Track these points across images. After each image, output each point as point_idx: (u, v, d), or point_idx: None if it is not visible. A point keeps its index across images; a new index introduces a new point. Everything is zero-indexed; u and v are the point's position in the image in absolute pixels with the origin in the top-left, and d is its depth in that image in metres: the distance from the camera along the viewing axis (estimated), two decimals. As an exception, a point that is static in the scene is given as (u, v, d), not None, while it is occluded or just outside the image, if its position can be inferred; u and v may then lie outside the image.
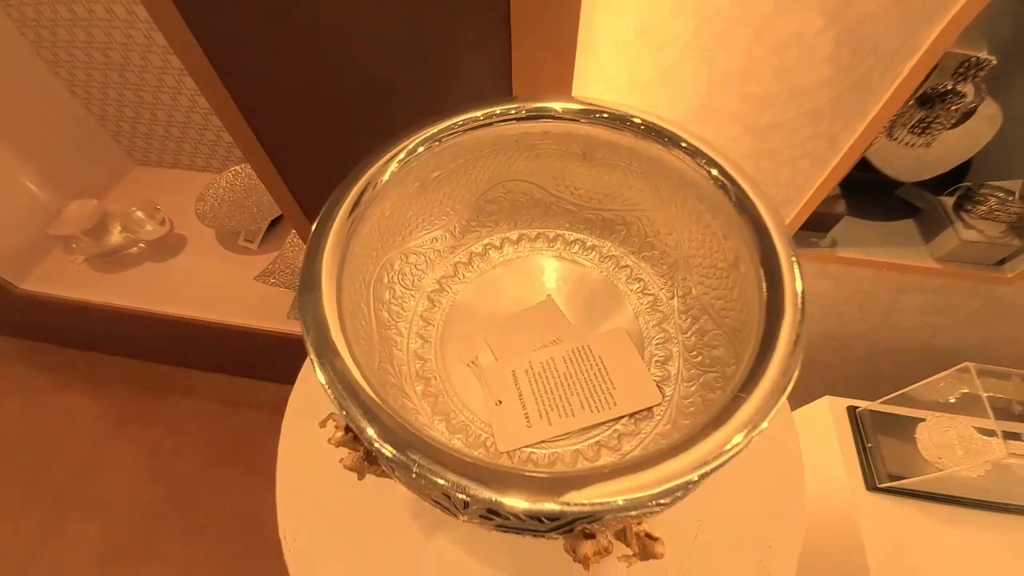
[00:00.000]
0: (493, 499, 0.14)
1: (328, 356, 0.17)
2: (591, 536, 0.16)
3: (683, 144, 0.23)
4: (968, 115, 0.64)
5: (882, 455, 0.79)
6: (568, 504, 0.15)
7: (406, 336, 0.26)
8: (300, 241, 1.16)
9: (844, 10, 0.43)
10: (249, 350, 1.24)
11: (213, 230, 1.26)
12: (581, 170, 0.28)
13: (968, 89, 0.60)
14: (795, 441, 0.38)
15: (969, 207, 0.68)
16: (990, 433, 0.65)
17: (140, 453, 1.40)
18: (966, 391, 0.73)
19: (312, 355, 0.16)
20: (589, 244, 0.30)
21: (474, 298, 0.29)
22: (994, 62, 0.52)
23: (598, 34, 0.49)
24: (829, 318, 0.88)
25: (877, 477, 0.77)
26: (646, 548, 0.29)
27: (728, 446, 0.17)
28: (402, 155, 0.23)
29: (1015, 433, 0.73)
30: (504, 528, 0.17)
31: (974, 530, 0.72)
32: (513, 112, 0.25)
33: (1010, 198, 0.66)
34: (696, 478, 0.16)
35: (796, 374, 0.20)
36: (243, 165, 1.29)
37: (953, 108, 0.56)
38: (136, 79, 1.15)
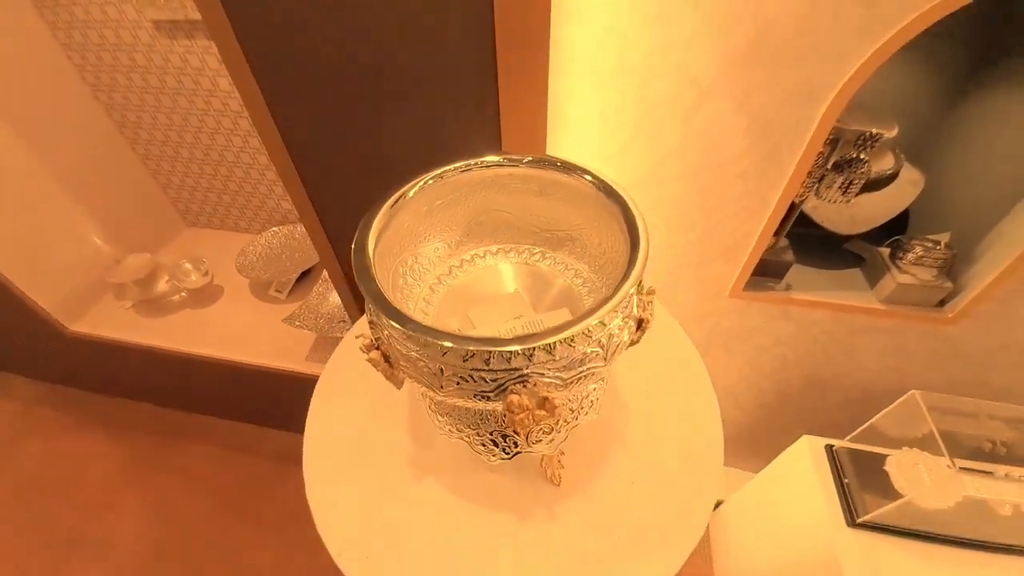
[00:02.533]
0: (459, 347, 0.24)
1: (365, 279, 0.28)
2: (516, 394, 0.26)
3: (593, 178, 0.35)
4: (891, 179, 0.78)
5: (860, 491, 0.82)
6: (498, 342, 0.24)
7: (412, 312, 0.37)
8: (323, 292, 1.31)
9: (747, 99, 0.59)
10: (266, 393, 1.33)
11: (248, 281, 1.41)
12: (540, 202, 0.41)
13: (886, 158, 0.75)
14: (714, 410, 0.45)
15: (901, 255, 0.79)
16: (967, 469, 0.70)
17: (148, 498, 1.43)
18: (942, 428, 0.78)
19: (357, 278, 0.27)
20: (547, 255, 0.42)
21: (462, 289, 0.40)
22: (885, 134, 0.67)
23: (569, 118, 0.66)
24: (802, 361, 0.96)
25: (856, 513, 0.80)
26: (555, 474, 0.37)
27: (595, 319, 0.26)
28: (419, 184, 0.36)
29: (987, 471, 0.77)
30: (473, 393, 0.26)
31: (952, 567, 0.73)
32: (493, 161, 0.38)
33: (936, 247, 0.77)
34: (574, 333, 0.25)
35: (641, 274, 0.29)
36: (280, 227, 1.47)
37: (861, 171, 0.69)
38: (201, 153, 1.38)
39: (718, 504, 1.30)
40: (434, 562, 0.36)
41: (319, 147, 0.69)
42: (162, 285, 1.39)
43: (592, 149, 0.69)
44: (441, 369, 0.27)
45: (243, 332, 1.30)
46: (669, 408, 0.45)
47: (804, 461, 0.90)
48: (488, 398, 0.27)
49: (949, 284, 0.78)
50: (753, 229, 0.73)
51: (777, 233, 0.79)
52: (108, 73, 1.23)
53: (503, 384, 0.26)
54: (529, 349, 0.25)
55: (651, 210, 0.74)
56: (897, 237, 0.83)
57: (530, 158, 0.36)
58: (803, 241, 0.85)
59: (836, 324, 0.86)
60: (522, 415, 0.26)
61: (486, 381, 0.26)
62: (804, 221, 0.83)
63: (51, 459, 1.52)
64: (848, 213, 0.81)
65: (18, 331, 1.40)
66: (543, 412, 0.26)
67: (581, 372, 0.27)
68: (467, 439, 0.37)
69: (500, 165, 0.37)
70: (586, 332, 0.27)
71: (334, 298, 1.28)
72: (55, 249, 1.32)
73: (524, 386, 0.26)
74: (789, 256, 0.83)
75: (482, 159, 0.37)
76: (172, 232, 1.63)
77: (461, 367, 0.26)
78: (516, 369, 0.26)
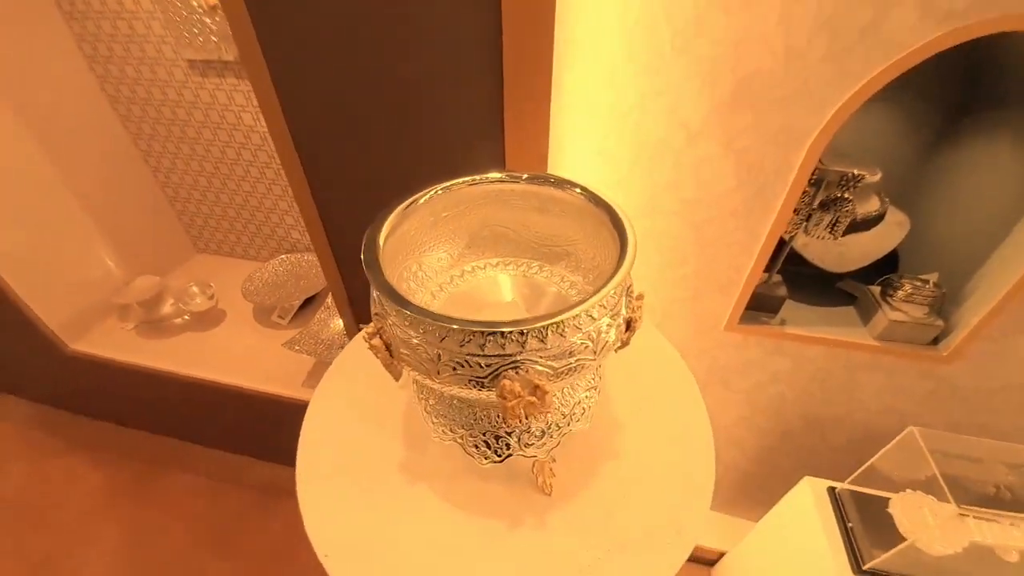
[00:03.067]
0: (458, 329, 0.26)
1: (374, 270, 0.30)
2: (509, 379, 0.27)
3: (583, 190, 0.38)
4: (877, 220, 0.82)
5: (864, 535, 0.79)
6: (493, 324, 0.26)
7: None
8: (325, 318, 1.32)
9: (732, 142, 0.63)
10: (257, 419, 1.32)
11: (252, 306, 1.43)
12: (539, 218, 0.44)
13: (872, 200, 0.79)
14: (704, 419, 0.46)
15: (891, 292, 0.81)
16: (969, 513, 0.68)
17: (126, 529, 1.38)
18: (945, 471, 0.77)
19: (367, 269, 0.29)
20: (544, 268, 0.45)
21: (463, 296, 0.42)
22: (868, 177, 0.71)
23: (567, 152, 0.70)
24: (801, 400, 0.96)
25: (862, 558, 0.77)
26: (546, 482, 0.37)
27: (583, 309, 0.28)
28: (429, 194, 0.39)
29: (992, 517, 0.75)
30: (468, 379, 0.28)
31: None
32: (496, 177, 0.41)
33: (925, 285, 0.80)
34: (564, 320, 0.27)
35: (628, 271, 0.31)
36: (288, 255, 1.52)
37: (846, 210, 0.73)
38: (219, 183, 1.45)
39: (721, 556, 1.24)
40: (421, 565, 0.36)
41: (336, 176, 0.73)
42: (167, 307, 1.41)
43: (592, 181, 0.73)
44: (439, 355, 0.28)
45: (241, 356, 1.30)
46: (661, 424, 0.46)
47: (806, 504, 0.87)
48: (482, 385, 0.28)
49: (940, 322, 0.79)
50: (745, 263, 0.76)
51: (769, 269, 0.82)
52: (140, 105, 1.32)
53: (496, 370, 0.28)
54: (522, 334, 0.27)
55: (647, 241, 0.77)
56: (887, 276, 0.86)
57: (528, 175, 0.40)
58: (797, 279, 0.87)
59: (832, 360, 0.87)
60: (514, 402, 0.27)
61: (481, 366, 0.28)
62: (797, 259, 0.86)
63: (34, 482, 1.48)
64: (837, 251, 0.84)
65: (18, 347, 1.40)
66: (534, 399, 0.28)
67: (571, 363, 0.29)
68: (460, 440, 0.37)
69: (502, 181, 0.41)
70: (576, 324, 0.29)
71: (336, 324, 1.30)
72: (67, 267, 1.35)
73: (516, 372, 0.28)
74: (782, 291, 0.85)
75: (487, 175, 0.41)
76: (182, 257, 1.67)
77: (457, 352, 0.28)
78: (509, 355, 0.28)
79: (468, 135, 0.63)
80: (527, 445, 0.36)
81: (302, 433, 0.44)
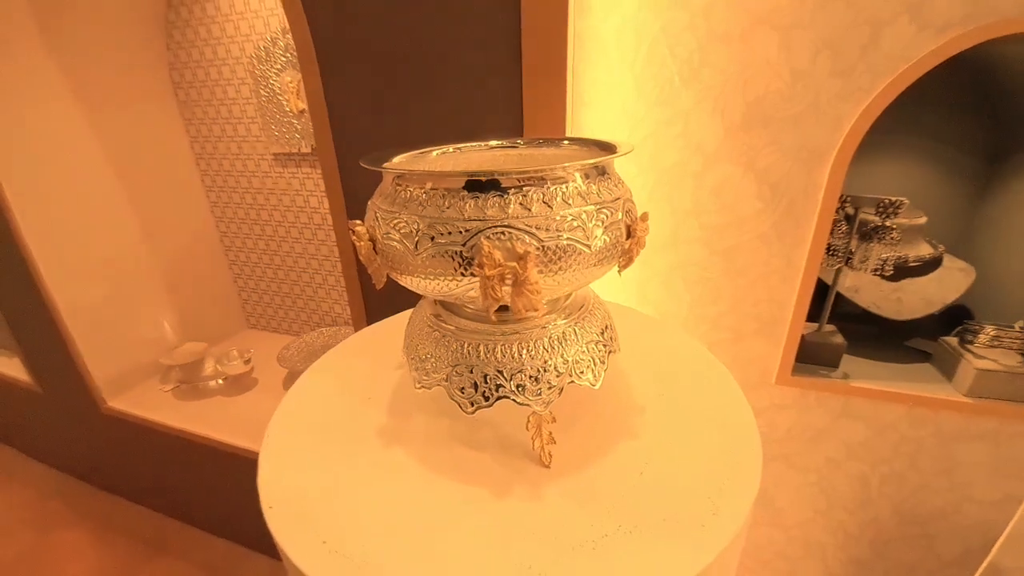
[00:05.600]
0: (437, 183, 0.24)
1: (371, 161, 0.30)
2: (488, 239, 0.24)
3: (569, 140, 0.39)
4: (933, 264, 0.75)
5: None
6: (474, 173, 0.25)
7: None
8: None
9: (752, 162, 0.64)
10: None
11: (285, 373, 1.45)
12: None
13: (921, 245, 0.73)
14: (744, 403, 0.38)
15: (971, 339, 0.70)
16: None
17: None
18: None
19: (365, 161, 0.30)
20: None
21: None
22: (905, 201, 0.67)
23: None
24: (889, 484, 0.78)
25: None
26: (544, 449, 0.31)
27: (560, 166, 0.26)
28: (442, 149, 0.41)
29: None
30: (447, 250, 0.25)
31: None
32: (497, 144, 0.43)
33: (1011, 329, 0.69)
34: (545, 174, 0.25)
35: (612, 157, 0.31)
36: (327, 328, 1.57)
37: (889, 238, 0.68)
38: (279, 260, 1.59)
39: None
40: (380, 526, 0.29)
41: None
42: (207, 370, 1.46)
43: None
44: (418, 227, 0.27)
45: (265, 421, 1.27)
46: (689, 407, 0.38)
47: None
48: (463, 258, 0.26)
49: (1047, 375, 0.66)
50: (787, 298, 0.70)
51: (819, 316, 0.75)
52: (228, 193, 1.55)
53: (475, 234, 0.25)
54: (503, 195, 0.25)
55: (673, 275, 0.74)
56: (963, 324, 0.75)
57: (524, 140, 0.41)
58: (858, 338, 0.78)
59: (918, 426, 0.72)
60: (492, 272, 0.24)
61: (460, 232, 0.26)
62: (855, 315, 0.78)
63: (37, 552, 1.40)
64: (895, 297, 0.76)
65: (59, 400, 1.46)
66: (515, 266, 0.24)
67: (560, 241, 0.26)
68: (446, 382, 0.33)
69: (503, 147, 0.42)
70: (563, 195, 0.27)
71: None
72: (126, 327, 1.46)
73: (500, 239, 0.25)
74: (839, 339, 0.76)
75: (488, 142, 0.43)
76: (233, 330, 1.77)
77: (438, 220, 0.26)
78: (490, 220, 0.25)
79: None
80: (520, 387, 0.31)
81: (283, 400, 0.41)
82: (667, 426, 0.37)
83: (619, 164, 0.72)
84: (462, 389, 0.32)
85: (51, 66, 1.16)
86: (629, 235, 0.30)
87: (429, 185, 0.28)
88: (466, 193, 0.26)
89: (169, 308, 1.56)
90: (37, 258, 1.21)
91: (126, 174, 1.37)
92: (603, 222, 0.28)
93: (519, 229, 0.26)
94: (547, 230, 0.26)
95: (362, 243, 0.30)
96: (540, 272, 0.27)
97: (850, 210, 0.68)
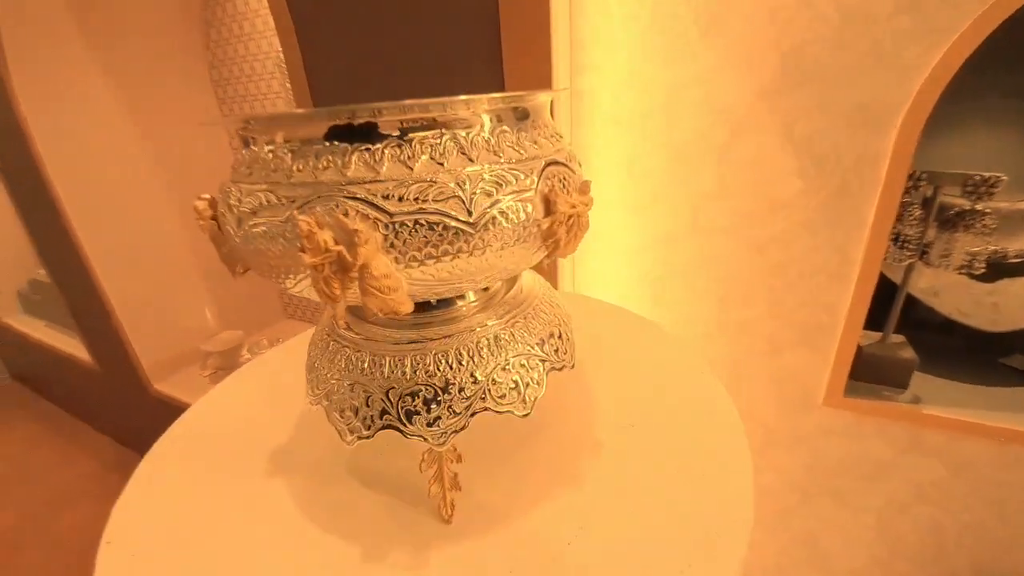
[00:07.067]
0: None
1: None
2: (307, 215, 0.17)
3: None
4: None
5: None
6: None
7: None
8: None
9: (791, 130, 0.51)
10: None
11: (306, 363, 1.47)
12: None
13: (1022, 232, 0.57)
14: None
15: (1101, 362, 0.53)
16: None
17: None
18: None
19: None
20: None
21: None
22: (1003, 177, 0.51)
23: (594, 168, 0.63)
24: (969, 536, 0.62)
25: None
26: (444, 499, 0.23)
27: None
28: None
29: None
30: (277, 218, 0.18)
31: None
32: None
33: None
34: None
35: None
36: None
37: (980, 225, 0.52)
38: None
39: None
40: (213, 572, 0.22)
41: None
42: (244, 357, 1.51)
43: (623, 200, 0.64)
44: (245, 197, 0.20)
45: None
46: (666, 449, 0.29)
47: None
48: (285, 239, 0.19)
49: None
50: (839, 300, 0.56)
51: (883, 323, 0.60)
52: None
53: (302, 204, 0.18)
54: (370, 147, 0.17)
55: (695, 271, 0.62)
56: (1089, 343, 0.57)
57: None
58: (935, 352, 0.63)
59: (1009, 468, 0.56)
60: (316, 260, 0.17)
61: (283, 203, 0.18)
62: (932, 324, 0.62)
63: (93, 522, 1.51)
64: (989, 301, 0.60)
65: (116, 384, 1.57)
66: (340, 251, 0.17)
67: (419, 216, 0.18)
68: (325, 403, 0.26)
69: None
70: (431, 146, 0.18)
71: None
72: (172, 315, 1.54)
73: (334, 209, 0.18)
74: (908, 354, 0.61)
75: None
76: (271, 320, 1.83)
77: (279, 185, 0.19)
78: (327, 185, 0.18)
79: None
80: (409, 415, 0.24)
81: (189, 409, 0.36)
82: (627, 473, 0.27)
83: (623, 141, 0.62)
84: (342, 412, 0.25)
85: (98, 71, 1.23)
86: (549, 211, 0.22)
87: (280, 137, 0.21)
88: (326, 146, 0.19)
89: (209, 297, 1.63)
90: (90, 254, 1.30)
91: (169, 173, 1.44)
92: (500, 188, 0.20)
93: (357, 199, 0.18)
94: (401, 200, 0.18)
95: (203, 222, 0.23)
96: (399, 260, 0.19)
97: (926, 190, 0.54)
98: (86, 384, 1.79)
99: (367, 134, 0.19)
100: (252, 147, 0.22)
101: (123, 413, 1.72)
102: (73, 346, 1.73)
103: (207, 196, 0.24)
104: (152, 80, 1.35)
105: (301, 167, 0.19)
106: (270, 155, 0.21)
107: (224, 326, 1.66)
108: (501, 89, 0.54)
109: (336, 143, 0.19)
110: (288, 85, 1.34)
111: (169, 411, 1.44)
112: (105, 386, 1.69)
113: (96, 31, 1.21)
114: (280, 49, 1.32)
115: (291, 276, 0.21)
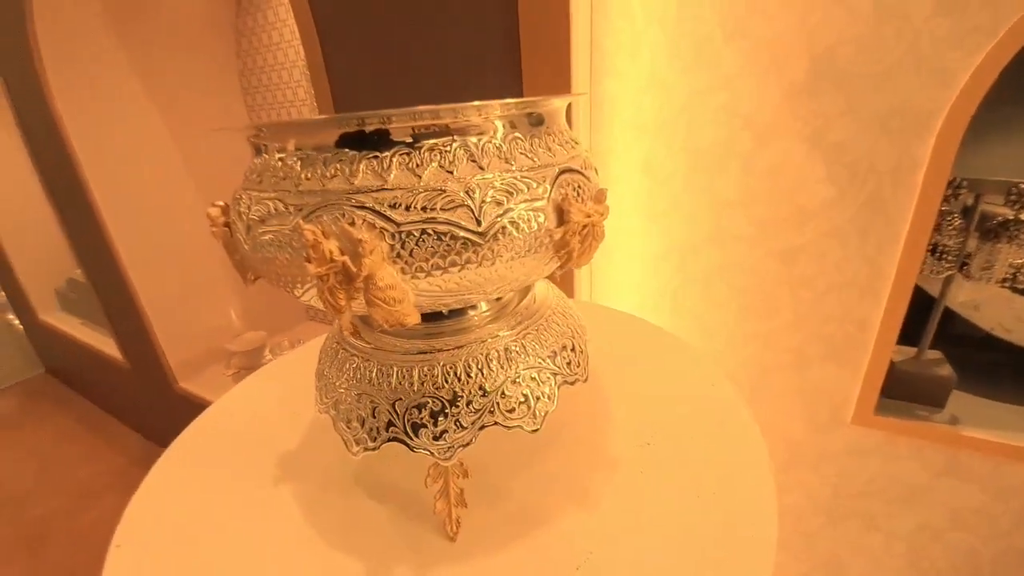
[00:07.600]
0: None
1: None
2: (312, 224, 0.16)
3: None
4: None
5: None
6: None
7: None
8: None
9: (821, 136, 0.49)
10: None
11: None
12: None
13: None
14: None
15: None
16: None
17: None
18: None
19: None
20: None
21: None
22: None
23: (613, 173, 0.62)
24: (1005, 563, 0.58)
25: None
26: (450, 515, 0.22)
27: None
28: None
29: None
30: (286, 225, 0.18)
31: None
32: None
33: None
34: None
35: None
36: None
37: (1023, 236, 0.49)
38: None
39: None
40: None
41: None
42: (266, 358, 1.54)
43: (641, 206, 0.62)
44: (255, 203, 0.20)
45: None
46: (685, 471, 0.27)
47: None
48: (292, 248, 0.18)
49: None
50: (871, 315, 0.54)
51: (919, 337, 0.57)
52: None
53: (309, 213, 0.18)
54: (379, 155, 0.17)
55: (717, 276, 0.60)
56: None
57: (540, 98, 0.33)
58: (975, 370, 0.59)
59: (1067, 499, 0.52)
60: (321, 270, 0.17)
61: (291, 211, 0.18)
62: (972, 339, 0.59)
63: (113, 516, 1.56)
64: (1037, 317, 0.56)
65: (144, 381, 1.62)
66: (344, 262, 0.16)
67: (426, 226, 0.17)
68: (332, 413, 0.25)
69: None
70: (441, 152, 0.18)
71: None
72: (198, 315, 1.58)
73: (340, 218, 0.17)
74: (945, 371, 0.58)
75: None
76: (294, 322, 1.87)
77: (289, 194, 0.19)
78: (334, 193, 0.18)
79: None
80: (416, 427, 0.23)
81: (211, 406, 0.36)
82: (642, 493, 0.26)
83: (643, 146, 0.61)
84: (348, 422, 0.25)
85: (134, 77, 1.28)
86: (562, 220, 0.21)
87: (291, 145, 0.20)
88: (334, 154, 0.19)
89: (235, 298, 1.68)
90: (123, 255, 1.35)
91: (198, 177, 1.48)
92: (510, 197, 0.19)
93: (364, 207, 0.18)
94: (407, 208, 0.18)
95: (216, 228, 0.23)
96: (406, 270, 0.18)
97: (967, 198, 0.51)
98: (115, 379, 1.85)
99: (376, 141, 0.19)
100: (264, 155, 0.21)
101: (149, 409, 1.78)
102: (105, 343, 1.79)
103: (220, 203, 0.24)
104: (185, 86, 1.40)
105: (309, 175, 0.19)
106: (280, 163, 0.21)
107: (248, 327, 1.70)
108: (519, 95, 0.54)
109: (345, 151, 0.19)
110: (313, 93, 1.37)
111: (192, 408, 1.48)
112: (133, 382, 1.75)
113: (132, 38, 1.26)
114: (304, 58, 1.35)
115: (299, 285, 0.21)
